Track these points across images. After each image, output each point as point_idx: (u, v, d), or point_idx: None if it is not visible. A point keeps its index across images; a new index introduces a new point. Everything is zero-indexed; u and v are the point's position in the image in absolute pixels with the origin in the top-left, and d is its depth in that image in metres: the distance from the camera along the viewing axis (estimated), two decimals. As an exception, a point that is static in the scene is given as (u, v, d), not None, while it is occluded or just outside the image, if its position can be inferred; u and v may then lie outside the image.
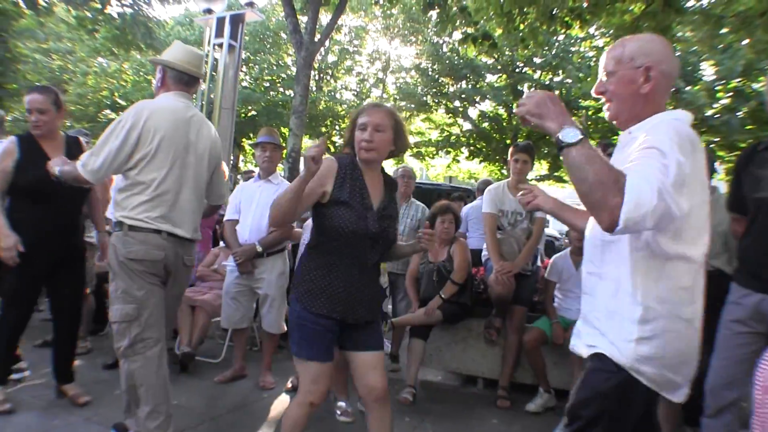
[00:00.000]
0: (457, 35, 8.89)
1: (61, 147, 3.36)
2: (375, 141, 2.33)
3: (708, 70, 16.35)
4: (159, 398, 2.68)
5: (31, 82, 16.98)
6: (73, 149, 3.39)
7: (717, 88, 15.89)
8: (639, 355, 1.55)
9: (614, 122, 1.75)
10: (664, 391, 1.60)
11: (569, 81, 18.86)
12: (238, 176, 14.90)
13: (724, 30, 7.71)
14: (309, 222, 3.98)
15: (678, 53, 14.38)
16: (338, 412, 3.60)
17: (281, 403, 3.80)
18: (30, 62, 17.49)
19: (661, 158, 1.43)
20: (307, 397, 2.33)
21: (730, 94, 15.78)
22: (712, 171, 3.52)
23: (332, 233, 2.32)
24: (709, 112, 15.99)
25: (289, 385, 4.03)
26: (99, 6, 11.71)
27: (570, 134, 1.47)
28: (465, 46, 7.51)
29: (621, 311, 1.59)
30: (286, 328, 4.17)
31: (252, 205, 4.03)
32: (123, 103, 23.64)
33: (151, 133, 2.65)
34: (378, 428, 2.43)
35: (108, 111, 24.28)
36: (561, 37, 16.72)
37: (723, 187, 4.24)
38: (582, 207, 1.57)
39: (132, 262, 2.65)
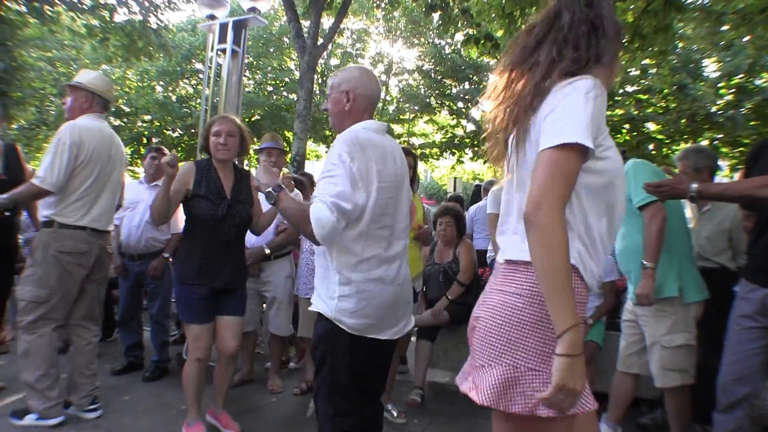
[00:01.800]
0: (459, 37, 8.90)
1: None
2: (228, 144, 3.12)
3: (711, 67, 16.30)
4: (49, 363, 3.21)
5: (36, 90, 17.11)
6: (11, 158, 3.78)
7: (720, 84, 15.84)
8: (340, 309, 2.06)
9: (335, 128, 2.32)
10: (367, 334, 2.09)
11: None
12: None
13: (725, 27, 7.71)
14: None
15: (680, 50, 14.38)
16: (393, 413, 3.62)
17: (290, 406, 3.82)
18: (35, 70, 17.58)
19: (331, 173, 2.01)
20: (195, 354, 3.03)
21: (733, 90, 15.73)
22: (715, 168, 3.53)
23: (197, 220, 3.06)
24: (713, 109, 15.95)
25: (297, 390, 4.04)
26: (107, 14, 11.78)
27: (270, 195, 2.10)
28: (468, 47, 7.52)
29: (328, 278, 2.11)
30: (294, 330, 4.19)
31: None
32: (127, 109, 23.75)
33: (85, 147, 3.22)
34: (222, 375, 3.25)
35: (112, 117, 24.38)
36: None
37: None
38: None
39: (63, 255, 3.17)
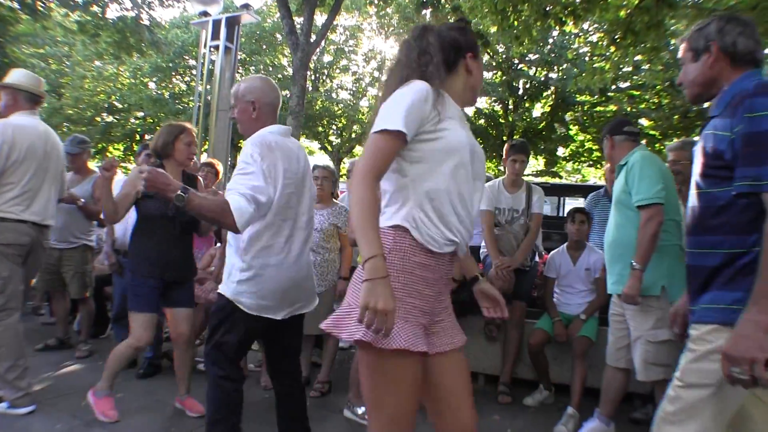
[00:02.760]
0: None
1: None
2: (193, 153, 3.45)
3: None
4: (17, 354, 3.35)
5: (28, 87, 16.93)
6: None
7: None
8: (239, 291, 2.37)
9: (244, 135, 2.55)
10: (262, 314, 2.39)
11: (565, 77, 18.87)
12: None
13: (718, 23, 7.74)
14: None
15: (672, 46, 14.42)
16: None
17: (283, 402, 3.82)
18: (27, 67, 17.46)
19: (245, 170, 2.28)
20: (138, 341, 3.23)
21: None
22: None
23: (147, 218, 3.30)
24: (705, 105, 16.02)
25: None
26: (98, 10, 11.71)
27: (180, 198, 2.11)
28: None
29: (232, 263, 2.43)
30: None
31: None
32: (119, 105, 23.66)
33: (17, 145, 3.32)
34: (181, 361, 3.50)
35: (105, 114, 24.26)
36: (555, 34, 16.72)
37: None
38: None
39: (4, 247, 3.29)
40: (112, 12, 12.36)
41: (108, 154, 24.07)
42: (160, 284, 3.30)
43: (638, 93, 17.59)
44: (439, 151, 1.63)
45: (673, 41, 13.50)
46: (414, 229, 1.60)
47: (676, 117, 16.08)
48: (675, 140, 15.13)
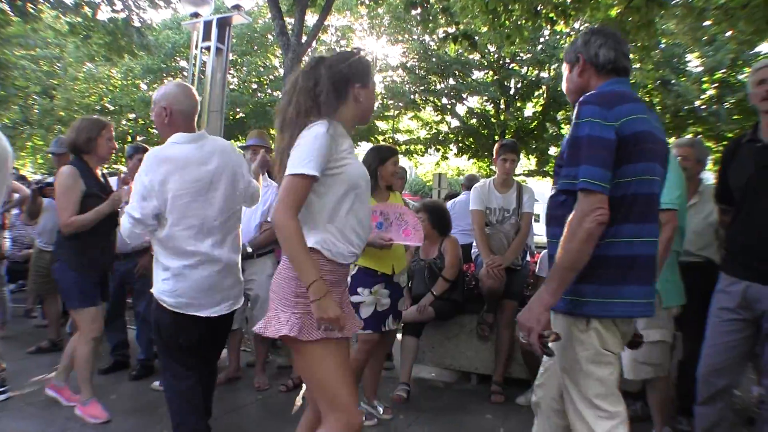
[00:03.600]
0: (441, 33, 8.89)
1: None
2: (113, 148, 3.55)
3: (693, 62, 16.47)
4: None
5: (20, 88, 16.89)
6: None
7: (703, 79, 16.01)
8: (162, 290, 2.55)
9: (161, 139, 2.67)
10: (185, 311, 2.53)
11: (556, 76, 18.91)
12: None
13: (707, 22, 7.77)
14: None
15: (663, 46, 14.49)
16: (379, 409, 3.64)
17: (276, 403, 3.82)
18: (18, 69, 17.35)
19: (135, 186, 2.50)
20: (92, 334, 3.35)
21: (716, 85, 15.90)
22: (705, 162, 3.59)
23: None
24: (697, 104, 16.12)
25: (283, 387, 4.05)
26: (89, 12, 11.65)
27: None
28: (446, 44, 7.54)
29: (156, 266, 2.61)
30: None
31: (242, 208, 4.04)
32: (111, 107, 23.51)
33: None
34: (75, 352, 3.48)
35: (97, 116, 24.11)
36: (547, 33, 16.76)
37: (711, 178, 4.28)
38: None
39: None
40: (104, 14, 12.28)
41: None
42: (100, 278, 3.49)
43: (629, 92, 17.67)
44: (341, 183, 1.97)
45: (663, 41, 13.57)
46: (325, 250, 1.95)
47: (667, 116, 16.17)
48: (685, 136, 15.19)
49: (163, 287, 2.55)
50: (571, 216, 1.74)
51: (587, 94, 1.85)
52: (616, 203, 1.74)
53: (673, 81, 15.88)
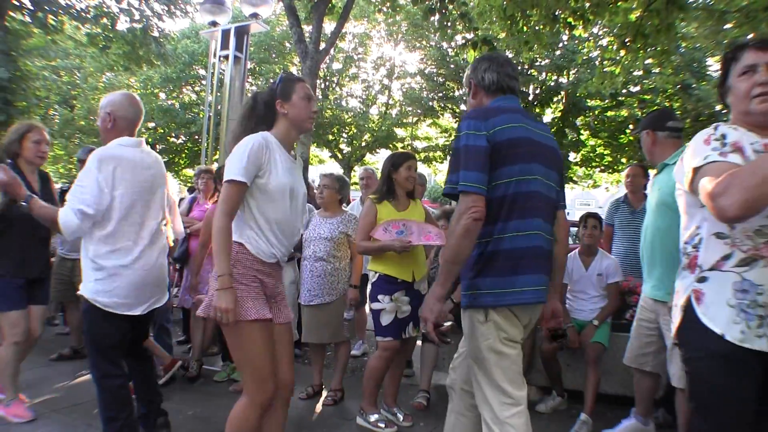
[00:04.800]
0: (460, 39, 8.85)
1: None
2: (47, 151, 3.57)
3: (714, 66, 16.25)
4: None
5: (41, 99, 17.17)
6: None
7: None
8: (96, 290, 2.64)
9: (103, 143, 2.82)
10: (119, 310, 2.67)
11: (575, 82, 18.79)
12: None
13: (728, 25, 7.67)
14: (308, 234, 4.00)
15: (683, 49, 14.33)
16: (399, 417, 3.62)
17: (296, 411, 3.81)
18: (39, 79, 17.65)
19: (81, 183, 2.61)
20: (15, 338, 3.36)
21: (738, 89, 15.65)
22: None
23: (15, 219, 3.27)
24: (718, 108, 15.88)
25: (304, 395, 4.04)
26: (108, 23, 11.85)
27: (24, 207, 2.73)
28: (465, 51, 7.51)
29: (87, 266, 2.68)
30: (298, 336, 4.19)
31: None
32: (131, 117, 23.77)
33: None
34: (23, 356, 3.52)
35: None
36: (565, 38, 16.66)
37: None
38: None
39: None
40: (122, 24, 12.48)
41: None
42: (25, 283, 3.44)
43: (649, 97, 17.47)
44: (266, 191, 2.29)
45: (684, 44, 13.44)
46: (248, 244, 2.29)
47: (687, 121, 15.96)
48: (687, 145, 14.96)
49: (96, 287, 2.65)
50: (453, 216, 1.99)
51: (472, 110, 2.18)
52: (499, 203, 2.01)
53: (693, 85, 15.68)
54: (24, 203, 2.68)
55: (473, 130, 2.01)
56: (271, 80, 20.09)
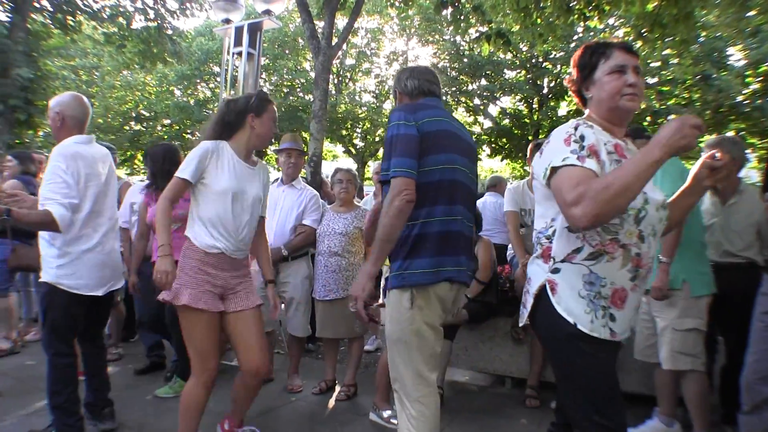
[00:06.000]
0: (473, 33, 8.77)
1: None
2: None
3: (736, 55, 15.93)
4: None
5: (59, 98, 17.33)
6: None
7: (747, 73, 15.43)
8: (60, 275, 2.87)
9: (56, 141, 3.03)
10: (83, 291, 2.92)
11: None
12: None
13: (751, 12, 7.49)
14: (322, 229, 3.99)
15: (702, 39, 14.06)
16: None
17: (309, 406, 3.82)
18: (59, 79, 17.86)
19: (55, 180, 2.81)
20: None
21: (760, 78, 15.33)
22: (745, 161, 3.46)
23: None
24: (739, 98, 15.59)
25: (317, 390, 4.04)
26: (124, 22, 11.95)
27: (7, 220, 2.77)
28: (479, 44, 7.43)
29: (48, 253, 2.91)
30: (312, 331, 4.19)
31: (276, 210, 4.04)
32: (147, 114, 24.01)
33: None
34: None
35: (133, 123, 24.68)
36: (580, 30, 16.44)
37: (755, 176, 4.12)
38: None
39: None
40: (138, 23, 12.58)
41: (136, 161, 24.50)
42: None
43: (667, 88, 17.20)
44: (210, 191, 2.63)
45: (703, 33, 13.18)
46: (194, 239, 2.63)
47: (707, 112, 15.70)
48: (707, 137, 14.73)
49: (59, 272, 2.89)
50: (386, 198, 2.14)
51: (399, 105, 2.40)
52: (426, 188, 2.16)
53: (713, 75, 15.39)
54: (6, 217, 2.75)
55: (403, 121, 2.20)
56: (285, 76, 19.96)
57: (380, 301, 2.22)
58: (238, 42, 7.44)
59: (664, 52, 9.18)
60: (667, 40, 6.93)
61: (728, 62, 16.02)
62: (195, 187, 2.64)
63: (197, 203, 2.65)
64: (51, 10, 12.67)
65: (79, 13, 12.81)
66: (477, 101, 22.30)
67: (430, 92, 2.47)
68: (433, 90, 2.48)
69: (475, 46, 16.66)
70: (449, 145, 2.26)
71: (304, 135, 17.51)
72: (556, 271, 1.80)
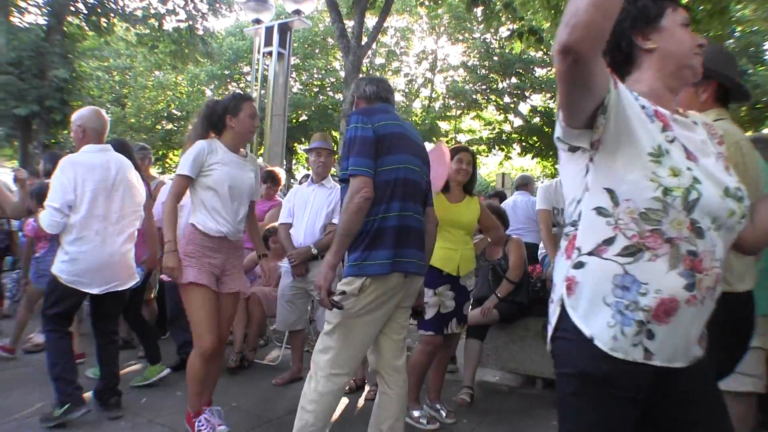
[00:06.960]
0: (504, 31, 8.69)
1: None
2: None
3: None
4: None
5: (95, 98, 17.78)
6: None
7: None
8: (59, 269, 3.22)
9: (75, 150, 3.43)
10: (77, 287, 3.23)
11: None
12: (291, 180, 15.12)
13: (791, 5, 7.27)
14: None
15: (738, 34, 13.70)
16: (442, 413, 3.59)
17: (338, 404, 3.82)
18: (93, 79, 18.26)
19: (53, 185, 3.19)
20: None
21: (799, 74, 14.89)
22: None
23: None
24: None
25: (347, 388, 4.04)
26: (156, 23, 12.16)
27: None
28: (512, 41, 7.36)
29: (58, 251, 3.28)
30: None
31: (306, 209, 4.06)
32: (178, 113, 24.38)
33: None
34: None
35: (165, 122, 25.10)
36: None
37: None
38: None
39: None
40: (169, 24, 12.80)
41: (168, 160, 24.92)
42: None
43: (702, 85, 16.79)
44: (209, 183, 2.94)
45: (739, 28, 12.85)
46: (199, 224, 2.95)
47: (743, 109, 15.29)
48: (763, 130, 14.34)
49: (62, 267, 3.24)
50: (346, 195, 2.31)
51: (357, 109, 2.56)
52: (384, 186, 2.36)
53: (750, 71, 15.00)
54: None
55: (361, 124, 2.38)
56: (315, 76, 20.08)
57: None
58: (268, 42, 7.51)
59: (699, 48, 8.95)
60: (701, 35, 6.76)
61: (765, 57, 15.58)
62: (196, 180, 2.95)
63: (198, 194, 2.97)
64: (86, 12, 12.97)
65: (112, 15, 13.09)
66: (507, 99, 22.11)
67: (386, 99, 2.69)
68: (388, 97, 2.72)
69: (506, 43, 16.51)
70: (404, 147, 2.46)
71: (334, 134, 17.59)
72: (579, 265, 1.33)
